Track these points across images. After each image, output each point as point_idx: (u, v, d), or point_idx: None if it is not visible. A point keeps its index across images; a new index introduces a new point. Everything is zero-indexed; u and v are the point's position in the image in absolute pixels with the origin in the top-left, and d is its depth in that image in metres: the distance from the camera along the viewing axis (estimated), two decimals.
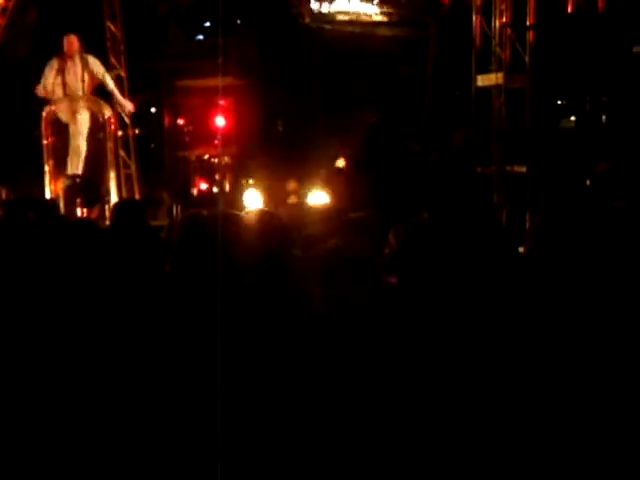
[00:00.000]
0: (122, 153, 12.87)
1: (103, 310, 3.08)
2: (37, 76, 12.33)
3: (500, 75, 10.77)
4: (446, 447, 2.60)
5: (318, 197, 10.62)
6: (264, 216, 3.55)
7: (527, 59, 10.60)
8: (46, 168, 10.08)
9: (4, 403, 2.57)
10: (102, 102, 10.71)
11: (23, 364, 2.86)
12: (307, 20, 16.53)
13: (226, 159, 15.26)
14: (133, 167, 13.39)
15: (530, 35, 10.53)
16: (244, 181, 14.69)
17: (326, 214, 7.49)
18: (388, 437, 2.59)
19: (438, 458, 2.59)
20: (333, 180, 11.68)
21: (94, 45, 13.74)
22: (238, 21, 18.46)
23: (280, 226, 3.49)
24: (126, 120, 13.21)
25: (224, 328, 2.68)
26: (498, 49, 10.86)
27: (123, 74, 13.86)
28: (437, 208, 3.71)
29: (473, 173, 4.60)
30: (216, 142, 15.86)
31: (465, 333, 2.79)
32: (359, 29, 16.56)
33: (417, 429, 2.61)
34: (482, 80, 11.15)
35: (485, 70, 11.18)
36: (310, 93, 15.71)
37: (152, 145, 17.54)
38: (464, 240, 3.36)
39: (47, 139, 10.25)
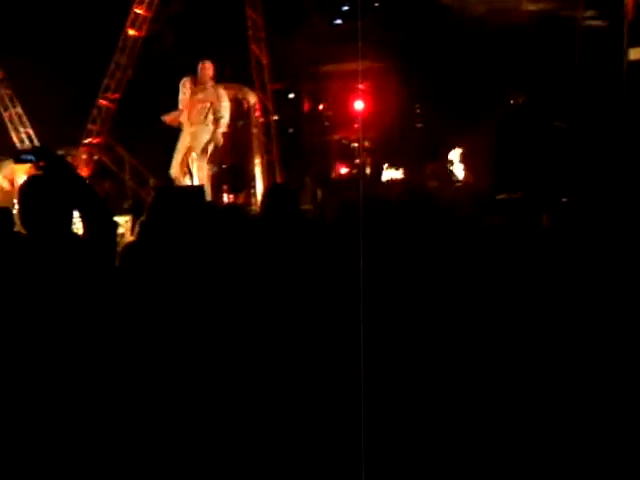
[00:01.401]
0: (264, 139, 13.03)
1: (257, 293, 3.08)
2: (183, 68, 12.61)
3: None
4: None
5: (460, 179, 10.44)
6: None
7: None
8: (193, 155, 10.29)
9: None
10: (247, 89, 10.83)
11: (174, 341, 2.89)
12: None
13: (366, 143, 15.22)
14: (275, 153, 13.55)
15: None
16: (384, 165, 14.63)
17: (472, 196, 7.33)
18: None
19: None
20: (476, 162, 11.45)
21: (236, 34, 13.99)
22: (376, 4, 18.37)
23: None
24: (268, 106, 13.38)
25: (393, 308, 2.63)
26: None
27: (264, 61, 14.03)
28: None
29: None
30: (355, 126, 15.83)
31: None
32: (502, 5, 16.12)
33: None
34: (635, 53, 10.73)
35: (638, 43, 10.76)
36: (451, 74, 15.44)
37: (290, 131, 17.70)
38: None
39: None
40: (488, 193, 7.20)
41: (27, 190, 3.43)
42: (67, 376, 2.07)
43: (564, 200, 5.06)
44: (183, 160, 10.08)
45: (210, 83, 10.16)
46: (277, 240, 4.49)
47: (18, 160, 3.11)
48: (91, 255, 2.94)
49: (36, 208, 3.20)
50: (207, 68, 10.25)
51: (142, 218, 5.49)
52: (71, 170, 3.13)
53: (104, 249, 3.01)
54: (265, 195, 5.45)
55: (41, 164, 3.04)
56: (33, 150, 3.17)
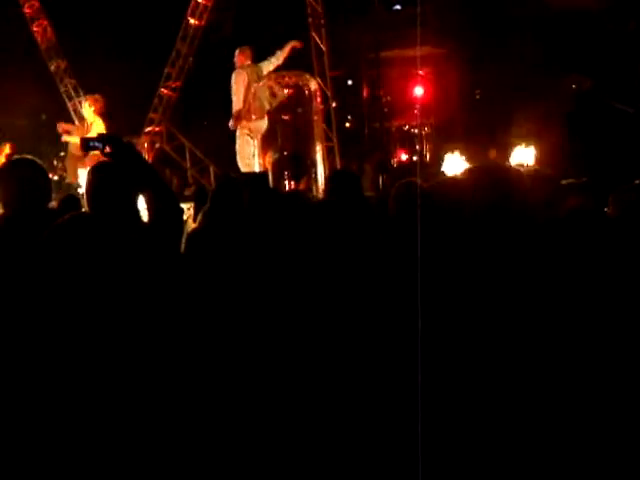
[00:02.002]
0: (323, 126, 13.01)
1: (320, 279, 3.06)
2: None
3: None
4: None
5: (523, 163, 10.27)
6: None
7: None
8: (254, 143, 10.32)
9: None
10: (308, 75, 10.82)
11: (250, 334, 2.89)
12: None
13: (426, 129, 15.11)
14: (334, 140, 13.52)
15: None
16: (443, 151, 14.50)
17: (537, 181, 7.20)
18: None
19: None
20: (541, 147, 11.26)
21: (295, 22, 13.99)
22: None
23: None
24: (327, 93, 13.35)
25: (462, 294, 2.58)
26: None
27: (324, 48, 14.00)
28: None
29: None
30: (415, 112, 15.72)
31: None
32: None
33: None
34: None
35: None
36: (512, 60, 15.21)
37: (349, 118, 17.64)
38: None
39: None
40: (559, 177, 7.05)
41: (95, 175, 3.49)
42: (130, 359, 2.07)
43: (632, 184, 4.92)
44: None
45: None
46: (341, 226, 4.48)
47: (87, 148, 3.14)
48: (157, 240, 2.96)
49: (103, 193, 3.26)
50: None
51: (206, 205, 5.53)
52: (138, 157, 3.15)
53: (170, 235, 3.03)
54: (329, 180, 5.43)
55: (108, 151, 3.07)
56: (101, 138, 3.20)
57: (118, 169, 3.22)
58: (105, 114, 10.60)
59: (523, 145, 10.55)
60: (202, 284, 3.17)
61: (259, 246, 3.53)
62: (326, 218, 3.76)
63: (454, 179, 4.30)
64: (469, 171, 3.19)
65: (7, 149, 12.07)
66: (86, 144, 3.15)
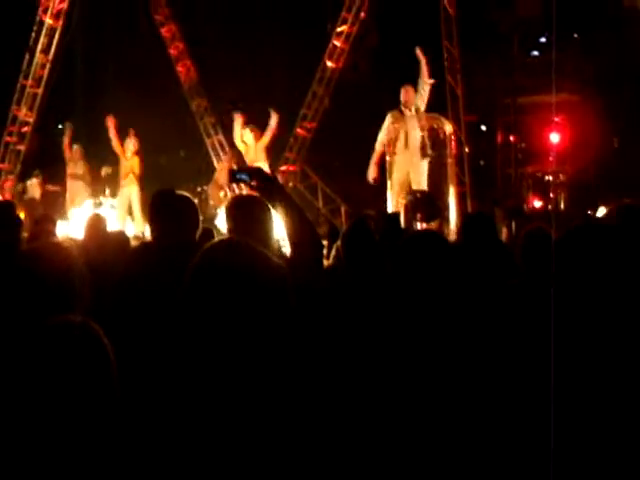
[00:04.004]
0: (457, 170, 12.96)
1: (452, 319, 3.02)
2: (375, 97, 12.77)
3: None
4: None
5: None
6: None
7: None
8: (388, 184, 10.39)
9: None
10: (443, 118, 10.83)
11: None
12: None
13: (561, 177, 14.81)
14: (467, 184, 13.43)
15: None
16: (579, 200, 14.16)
17: None
18: None
19: None
20: None
21: (431, 65, 14.03)
22: (575, 35, 17.91)
23: None
24: (461, 137, 13.30)
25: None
26: None
27: (459, 92, 13.98)
28: None
29: None
30: (550, 159, 15.45)
31: None
32: None
33: None
34: None
35: None
36: None
37: (482, 163, 17.50)
38: None
39: (391, 157, 10.52)
40: None
41: (235, 208, 3.58)
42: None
43: None
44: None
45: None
46: (476, 267, 4.44)
47: (233, 179, 3.22)
48: (297, 274, 3.00)
49: (242, 227, 3.35)
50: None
51: (338, 243, 5.61)
52: (283, 192, 3.21)
53: (311, 268, 3.07)
54: (464, 222, 5.40)
55: (254, 184, 3.14)
56: (248, 170, 3.28)
57: (261, 203, 3.31)
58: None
59: None
60: (340, 317, 3.20)
61: (394, 283, 3.52)
62: (460, 258, 3.72)
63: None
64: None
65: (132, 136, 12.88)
66: (233, 175, 3.22)
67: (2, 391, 1.92)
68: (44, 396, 1.89)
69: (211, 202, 13.12)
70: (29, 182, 14.81)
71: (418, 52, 10.88)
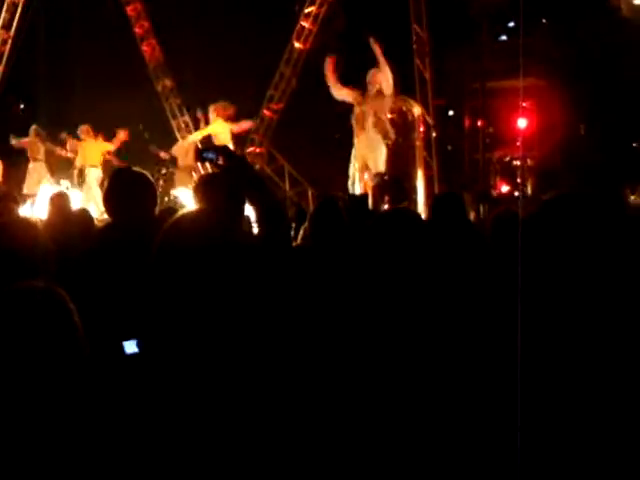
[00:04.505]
0: (425, 153, 12.93)
1: (422, 298, 2.97)
2: (343, 79, 12.71)
3: None
4: None
5: None
6: None
7: None
8: (356, 166, 10.33)
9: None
10: (412, 101, 10.77)
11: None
12: (625, 13, 15.61)
13: (528, 162, 14.84)
14: (435, 167, 13.41)
15: None
16: (546, 185, 14.20)
17: None
18: None
19: None
20: None
21: (400, 48, 13.96)
22: (544, 20, 17.93)
23: None
24: (429, 121, 13.25)
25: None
26: None
27: (427, 76, 13.93)
28: None
29: None
30: (518, 144, 15.48)
31: None
32: None
33: None
34: None
35: None
36: (624, 94, 14.83)
37: (449, 147, 17.48)
38: None
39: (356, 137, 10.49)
40: None
41: (203, 185, 3.49)
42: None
43: None
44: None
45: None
46: (444, 246, 4.40)
47: (200, 158, 3.14)
48: (267, 254, 2.93)
49: (209, 203, 3.27)
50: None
51: (305, 225, 5.55)
52: (250, 170, 3.14)
53: (280, 248, 3.00)
54: (434, 201, 5.36)
55: (220, 162, 3.06)
56: (215, 148, 3.20)
57: (227, 181, 3.23)
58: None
59: None
60: (307, 298, 3.13)
61: (363, 262, 3.47)
62: (429, 236, 3.66)
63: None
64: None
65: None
66: (200, 154, 3.15)
67: None
68: (9, 356, 1.93)
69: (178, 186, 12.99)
70: None
71: (372, 41, 10.73)
